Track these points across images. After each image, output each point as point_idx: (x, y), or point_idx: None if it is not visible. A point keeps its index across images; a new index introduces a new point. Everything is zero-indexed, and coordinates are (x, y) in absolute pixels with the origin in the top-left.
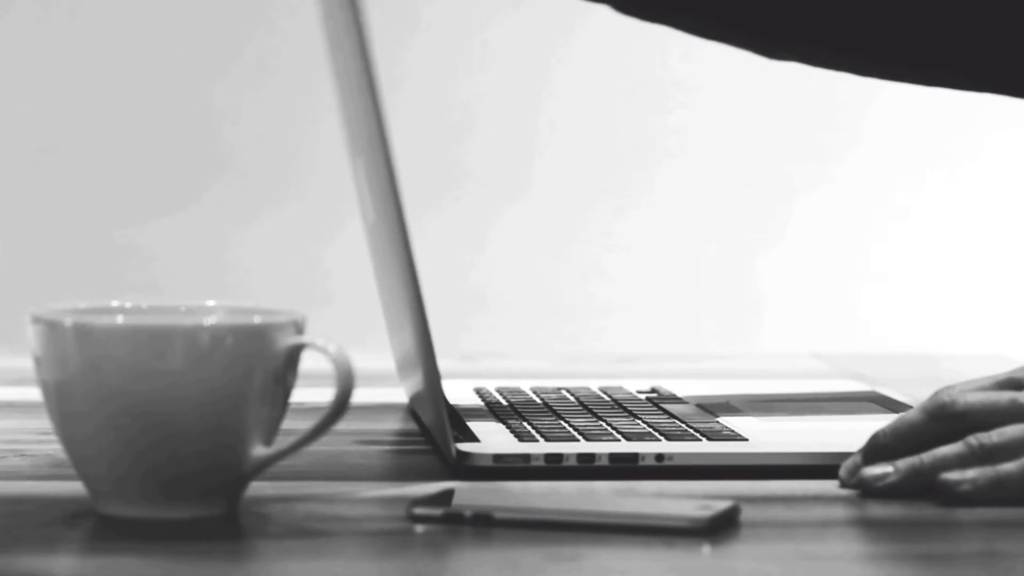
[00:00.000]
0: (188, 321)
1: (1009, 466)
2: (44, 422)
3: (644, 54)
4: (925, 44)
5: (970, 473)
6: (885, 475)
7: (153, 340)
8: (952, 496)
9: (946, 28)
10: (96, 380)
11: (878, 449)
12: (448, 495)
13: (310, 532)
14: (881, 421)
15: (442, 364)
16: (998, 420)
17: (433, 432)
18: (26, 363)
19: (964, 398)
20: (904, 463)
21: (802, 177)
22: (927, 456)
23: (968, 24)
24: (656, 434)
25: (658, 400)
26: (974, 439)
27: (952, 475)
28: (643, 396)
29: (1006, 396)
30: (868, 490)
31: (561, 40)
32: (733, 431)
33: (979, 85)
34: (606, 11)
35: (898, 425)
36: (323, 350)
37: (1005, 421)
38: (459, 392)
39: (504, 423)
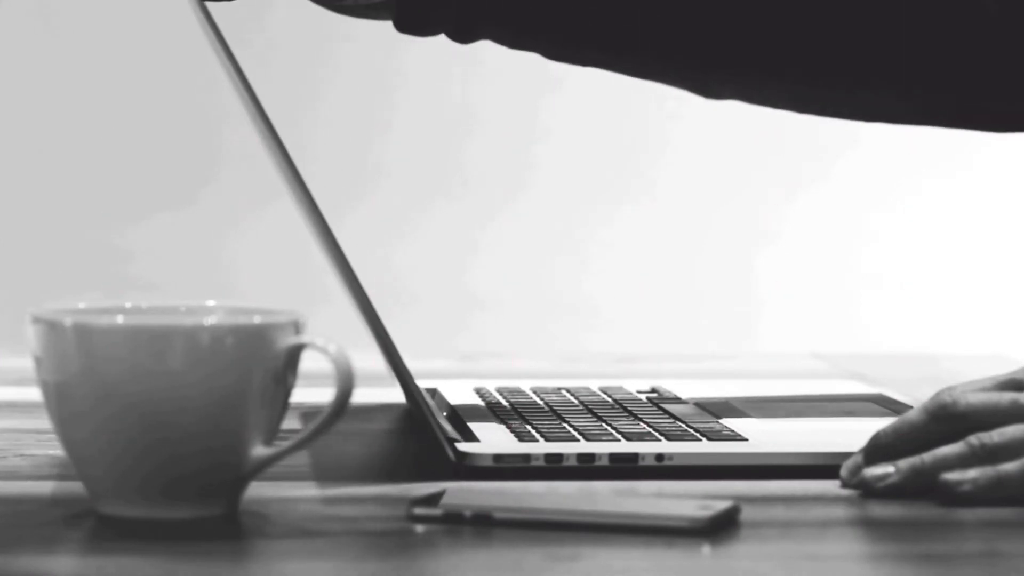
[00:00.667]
0: (188, 321)
1: (1010, 466)
2: (44, 422)
3: None
4: (870, 58)
5: (971, 473)
6: (886, 475)
7: (153, 340)
8: (953, 496)
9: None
10: (96, 380)
11: (879, 449)
12: (449, 494)
13: (310, 532)
14: (882, 421)
15: (442, 364)
16: (999, 420)
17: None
18: (26, 363)
19: (965, 398)
20: (905, 463)
21: (802, 176)
22: (928, 456)
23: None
24: (656, 434)
25: (658, 400)
26: (975, 439)
27: (953, 475)
28: (643, 396)
29: (1007, 397)
30: (869, 490)
31: None
32: (733, 431)
33: (928, 115)
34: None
35: (899, 425)
36: (323, 350)
37: (1006, 421)
38: (459, 392)
39: (504, 423)
